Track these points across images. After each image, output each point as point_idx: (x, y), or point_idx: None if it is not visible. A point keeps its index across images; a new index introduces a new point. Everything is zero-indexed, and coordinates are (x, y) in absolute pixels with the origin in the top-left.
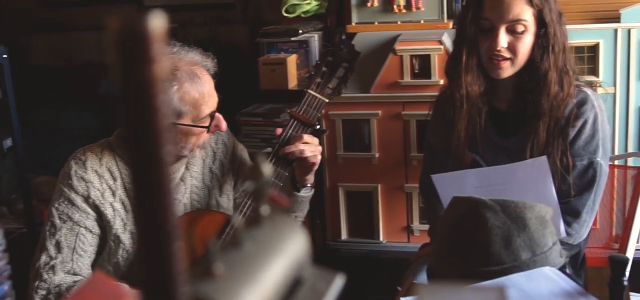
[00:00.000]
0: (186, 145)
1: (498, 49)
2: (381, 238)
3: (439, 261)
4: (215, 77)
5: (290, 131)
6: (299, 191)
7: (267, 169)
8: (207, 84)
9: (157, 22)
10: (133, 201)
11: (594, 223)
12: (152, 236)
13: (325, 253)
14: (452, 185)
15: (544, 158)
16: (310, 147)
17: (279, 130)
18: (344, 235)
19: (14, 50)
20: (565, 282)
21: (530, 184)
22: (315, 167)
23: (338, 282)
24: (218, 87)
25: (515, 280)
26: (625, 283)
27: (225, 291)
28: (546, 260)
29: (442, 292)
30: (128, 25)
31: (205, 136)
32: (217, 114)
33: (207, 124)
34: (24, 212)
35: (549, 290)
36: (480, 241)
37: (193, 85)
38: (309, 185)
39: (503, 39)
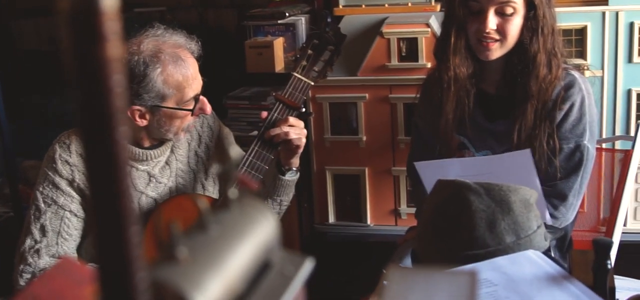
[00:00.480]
0: (170, 129)
1: (487, 31)
2: (368, 221)
3: (423, 245)
4: (201, 59)
5: (275, 114)
6: (284, 175)
7: (234, 151)
8: (191, 66)
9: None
10: (88, 186)
11: (581, 206)
12: (107, 221)
13: (312, 236)
14: (436, 173)
15: (528, 151)
16: (296, 130)
17: (265, 114)
18: (331, 219)
19: (3, 36)
20: (549, 266)
21: (514, 174)
22: (300, 150)
23: (307, 266)
24: (206, 71)
25: (498, 264)
26: (609, 266)
27: (187, 276)
28: (530, 243)
29: (412, 276)
30: (80, 2)
31: (189, 119)
32: (202, 97)
33: (191, 107)
34: (10, 196)
35: (532, 273)
36: (465, 224)
37: (177, 68)
38: (294, 168)
39: (492, 20)
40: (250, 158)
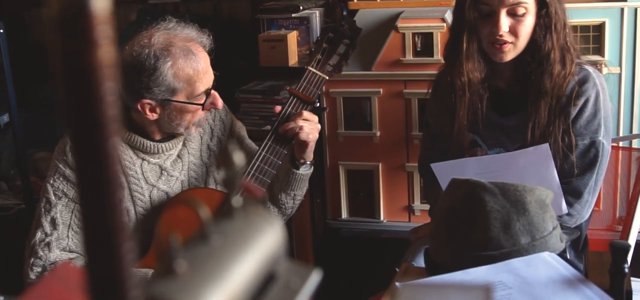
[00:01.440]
0: (181, 123)
1: (500, 33)
2: (382, 217)
3: (436, 245)
4: (213, 53)
5: (289, 109)
6: (298, 169)
7: (239, 157)
8: (202, 60)
9: (102, 2)
10: (79, 199)
11: (598, 204)
12: (98, 236)
13: (325, 232)
14: (452, 173)
15: (546, 146)
16: (310, 124)
17: (278, 108)
18: (344, 214)
19: (16, 26)
20: (564, 269)
21: (532, 170)
22: (313, 145)
23: (314, 278)
24: (219, 63)
25: (513, 266)
26: (626, 270)
27: (185, 290)
28: (546, 245)
29: (424, 287)
30: (69, 4)
31: (200, 114)
32: (213, 92)
33: (202, 102)
34: (22, 188)
35: (547, 276)
36: (479, 225)
37: (187, 62)
38: (308, 162)
39: (504, 23)
40: (263, 153)
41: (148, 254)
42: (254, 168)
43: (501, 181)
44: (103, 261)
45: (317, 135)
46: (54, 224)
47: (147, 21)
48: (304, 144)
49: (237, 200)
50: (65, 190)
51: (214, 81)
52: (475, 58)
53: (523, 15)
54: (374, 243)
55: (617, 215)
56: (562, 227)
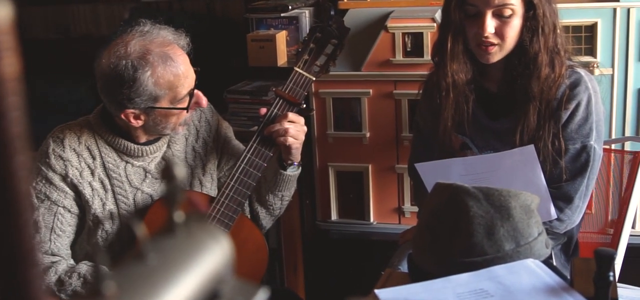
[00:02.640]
0: (167, 125)
1: (485, 34)
2: (372, 219)
3: (419, 250)
4: (191, 53)
5: (275, 110)
6: (285, 170)
7: (180, 170)
8: (181, 64)
9: (3, 11)
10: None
11: (589, 207)
12: (5, 261)
13: (314, 234)
14: (437, 174)
15: (531, 147)
16: (295, 127)
17: (263, 111)
18: (333, 216)
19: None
20: (548, 276)
21: (518, 172)
22: (299, 147)
23: (260, 297)
24: (211, 62)
25: (495, 273)
26: (611, 279)
27: None
28: (531, 251)
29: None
30: None
31: (186, 114)
32: (196, 91)
33: (185, 104)
34: None
35: (530, 284)
36: (462, 230)
37: (167, 68)
38: (295, 164)
39: (490, 24)
40: (248, 155)
41: None
42: (239, 170)
43: (487, 184)
44: (9, 288)
45: (303, 138)
46: (35, 227)
47: (121, 27)
48: (289, 147)
49: (179, 216)
50: (47, 193)
51: (196, 80)
52: (461, 59)
53: (509, 17)
54: (364, 245)
55: (610, 218)
56: (549, 233)
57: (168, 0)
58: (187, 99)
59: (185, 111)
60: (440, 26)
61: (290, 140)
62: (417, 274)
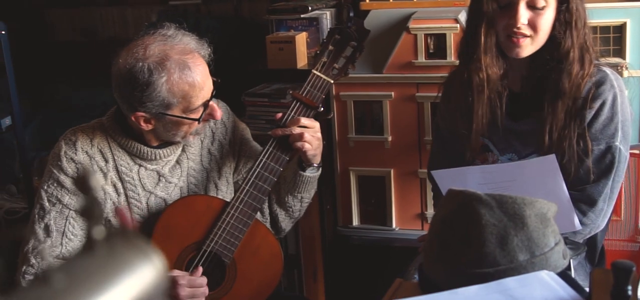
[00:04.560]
0: (178, 133)
1: (518, 26)
2: (394, 225)
3: (429, 260)
4: (211, 64)
5: (292, 113)
6: (304, 171)
7: (96, 181)
8: (199, 74)
9: None
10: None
11: (617, 213)
12: None
13: (335, 240)
14: (454, 181)
15: (552, 156)
16: (309, 132)
17: (279, 115)
18: (355, 222)
19: (36, 25)
20: (562, 290)
21: (538, 182)
22: (314, 152)
23: None
24: (236, 64)
25: (506, 286)
26: (629, 293)
27: None
28: (546, 262)
29: None
30: None
31: (198, 125)
32: (211, 103)
33: (198, 116)
34: (26, 191)
35: (542, 297)
36: (473, 240)
37: (183, 77)
38: (315, 165)
39: (523, 15)
40: (264, 159)
41: None
42: (254, 175)
43: (500, 193)
44: None
45: (317, 144)
46: (47, 231)
47: (145, 28)
48: (305, 151)
49: (98, 231)
50: (59, 196)
51: (214, 91)
52: (494, 53)
53: (543, 8)
54: (386, 251)
55: (639, 225)
56: (568, 242)
57: (195, 3)
58: (201, 109)
59: (196, 122)
60: (470, 20)
61: (306, 145)
62: (427, 285)
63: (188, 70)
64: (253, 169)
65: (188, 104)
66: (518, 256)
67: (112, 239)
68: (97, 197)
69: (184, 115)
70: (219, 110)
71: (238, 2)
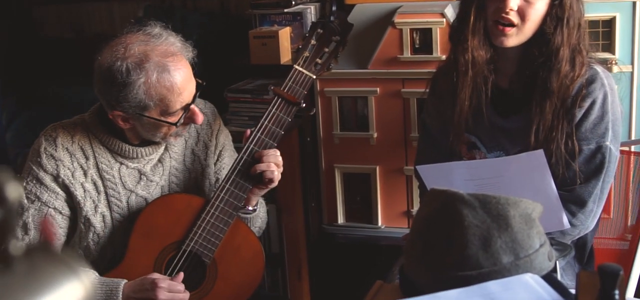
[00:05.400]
0: (156, 134)
1: (507, 10)
2: (380, 223)
3: (411, 261)
4: (195, 67)
5: (273, 109)
6: (248, 213)
7: (15, 191)
8: (179, 77)
9: None
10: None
11: (608, 212)
12: None
13: (320, 238)
14: (440, 177)
15: (540, 152)
16: (279, 169)
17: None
18: (340, 220)
19: (24, 22)
20: (547, 293)
21: (526, 178)
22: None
23: None
24: (223, 61)
25: (488, 290)
26: (617, 297)
27: None
28: (531, 264)
29: None
30: None
31: (178, 128)
32: (193, 107)
33: (176, 120)
34: None
35: None
36: (456, 241)
37: (161, 79)
38: (250, 208)
39: (514, 0)
40: (244, 158)
41: (123, 263)
42: (235, 173)
43: (492, 190)
44: None
45: (278, 176)
46: (25, 228)
47: (129, 26)
48: (267, 184)
49: (15, 247)
50: (38, 193)
51: (196, 94)
52: (482, 37)
53: None
54: (371, 249)
55: (629, 223)
56: (555, 244)
57: None
58: (180, 113)
59: (174, 126)
60: (462, 2)
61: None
62: (408, 287)
63: (167, 73)
64: (234, 167)
65: (166, 107)
66: (502, 258)
67: (32, 254)
68: (14, 208)
69: (162, 119)
70: (201, 115)
71: None
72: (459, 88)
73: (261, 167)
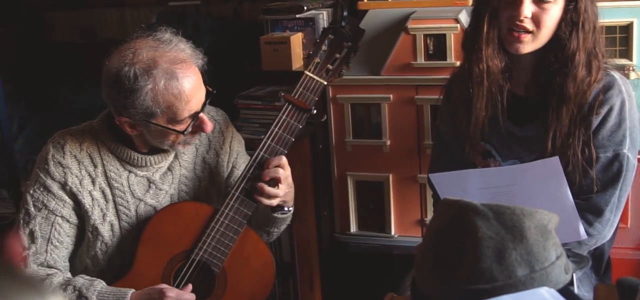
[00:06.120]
0: (164, 141)
1: (521, 18)
2: (393, 232)
3: (422, 274)
4: (206, 75)
5: (284, 116)
6: (275, 212)
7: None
8: (188, 85)
9: None
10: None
11: (625, 221)
12: None
13: (332, 247)
14: (454, 186)
15: (556, 159)
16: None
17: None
18: (353, 228)
19: (35, 26)
20: None
21: (541, 187)
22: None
23: None
24: (236, 67)
25: None
26: None
27: None
28: (547, 278)
29: None
30: None
31: (186, 136)
32: (201, 115)
33: (183, 128)
34: (13, 195)
35: None
36: (469, 254)
37: (168, 86)
38: (286, 208)
39: (528, 7)
40: (254, 164)
41: (131, 272)
42: (244, 181)
43: (506, 198)
44: None
45: (282, 193)
46: (32, 237)
47: (141, 29)
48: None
49: None
50: (45, 201)
51: (206, 102)
52: (496, 46)
53: (549, 3)
54: (384, 259)
55: None
56: (571, 256)
57: (195, 4)
58: (188, 121)
59: (182, 134)
60: (474, 10)
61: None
62: None
63: (175, 80)
64: (243, 174)
65: (173, 115)
66: (517, 271)
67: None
68: None
69: (169, 126)
70: (209, 124)
71: (238, 3)
72: (475, 98)
73: (270, 173)
